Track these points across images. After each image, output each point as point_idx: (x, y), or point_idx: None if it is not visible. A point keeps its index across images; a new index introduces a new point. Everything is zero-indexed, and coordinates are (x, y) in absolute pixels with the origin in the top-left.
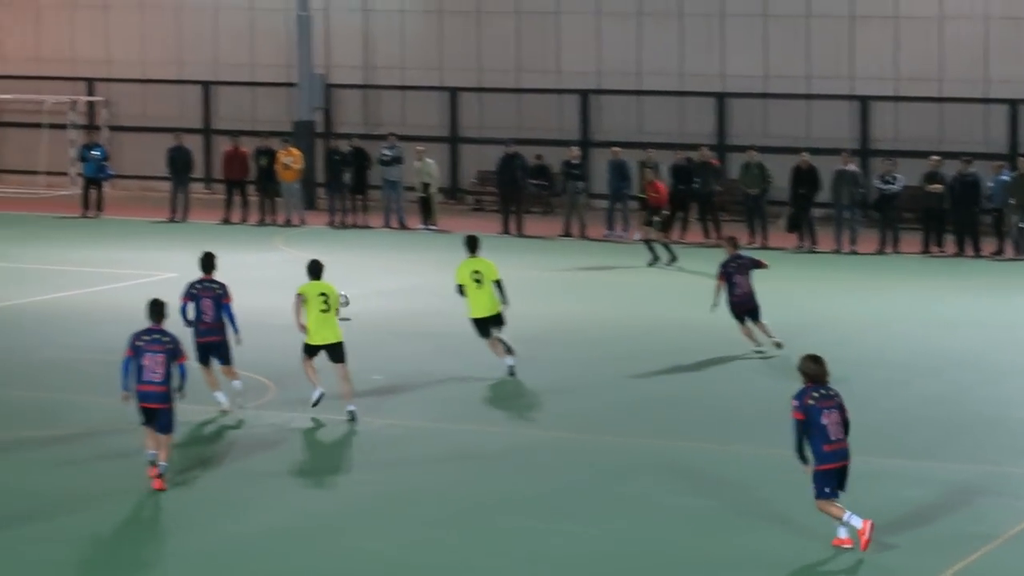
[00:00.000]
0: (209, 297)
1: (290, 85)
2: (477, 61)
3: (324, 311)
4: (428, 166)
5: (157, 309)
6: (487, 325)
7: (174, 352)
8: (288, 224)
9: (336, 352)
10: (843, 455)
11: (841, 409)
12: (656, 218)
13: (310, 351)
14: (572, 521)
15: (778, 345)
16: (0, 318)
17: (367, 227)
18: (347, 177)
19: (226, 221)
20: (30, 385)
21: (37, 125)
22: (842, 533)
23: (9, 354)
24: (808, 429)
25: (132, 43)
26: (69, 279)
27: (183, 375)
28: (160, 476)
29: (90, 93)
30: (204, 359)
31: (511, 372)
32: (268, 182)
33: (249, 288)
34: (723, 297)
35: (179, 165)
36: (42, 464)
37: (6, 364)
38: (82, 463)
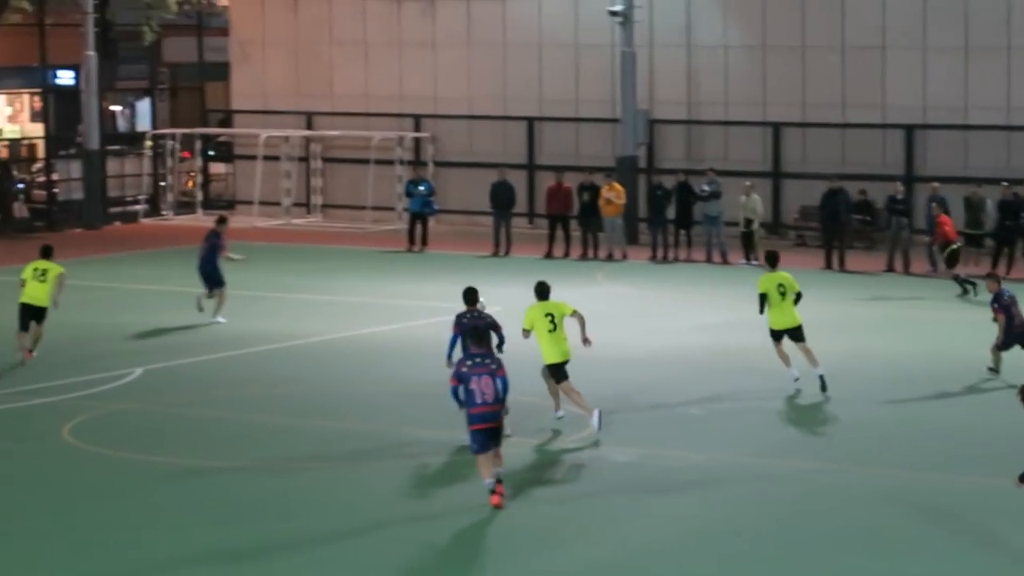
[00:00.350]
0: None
1: (613, 121)
2: (801, 96)
3: (551, 331)
4: (753, 201)
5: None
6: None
7: (498, 368)
8: (610, 259)
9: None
10: None
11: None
12: (947, 252)
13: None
14: (910, 559)
15: None
16: (329, 350)
17: (690, 261)
18: (669, 212)
19: (548, 256)
20: (361, 417)
21: (365, 161)
22: None
23: (340, 386)
24: None
25: (459, 80)
26: (395, 313)
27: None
28: (494, 491)
29: (417, 129)
30: None
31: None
32: (590, 217)
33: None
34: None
35: (502, 200)
36: (369, 489)
37: (337, 396)
38: (411, 489)
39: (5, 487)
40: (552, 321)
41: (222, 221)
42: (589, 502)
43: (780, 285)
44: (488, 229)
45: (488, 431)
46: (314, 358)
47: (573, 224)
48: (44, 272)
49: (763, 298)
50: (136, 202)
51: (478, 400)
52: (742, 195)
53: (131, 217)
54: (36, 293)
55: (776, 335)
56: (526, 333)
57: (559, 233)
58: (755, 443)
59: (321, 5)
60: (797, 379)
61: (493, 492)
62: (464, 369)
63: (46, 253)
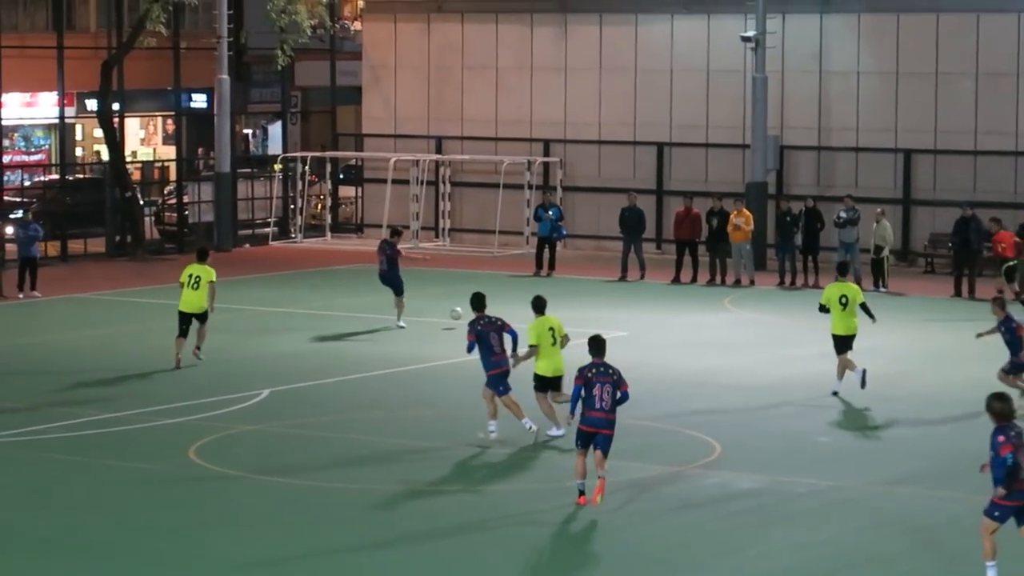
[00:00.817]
0: (495, 331)
1: (743, 147)
2: (933, 122)
3: (552, 344)
4: (883, 228)
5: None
6: (549, 384)
7: (618, 381)
8: (737, 284)
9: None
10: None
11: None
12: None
13: (539, 383)
14: None
15: None
16: (456, 374)
17: (818, 288)
18: (798, 238)
19: (675, 281)
20: (477, 441)
21: (494, 185)
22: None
23: (465, 410)
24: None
25: (589, 105)
26: (522, 337)
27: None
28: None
29: (546, 154)
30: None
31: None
32: (719, 243)
33: (696, 349)
34: None
35: (631, 225)
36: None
37: (461, 420)
38: (537, 512)
39: (130, 506)
40: (553, 335)
41: (396, 233)
42: (713, 528)
43: (843, 296)
44: (618, 254)
45: (593, 435)
46: (440, 382)
47: (701, 249)
48: (198, 279)
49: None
50: (266, 225)
51: (597, 405)
52: (873, 222)
53: (261, 240)
54: (191, 300)
55: (838, 342)
56: (533, 349)
57: (687, 259)
58: (883, 470)
59: (454, 30)
60: (836, 393)
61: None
62: (589, 374)
63: (201, 256)
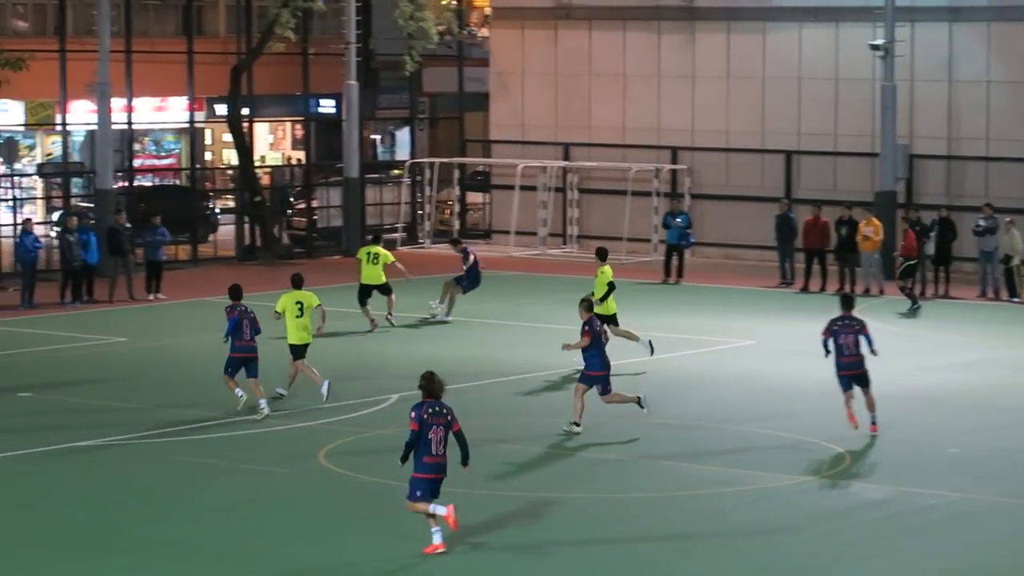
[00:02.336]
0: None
1: (872, 155)
2: None
3: (299, 316)
4: (1013, 238)
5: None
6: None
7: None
8: (866, 294)
9: (299, 351)
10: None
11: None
12: None
13: (294, 351)
14: None
15: None
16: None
17: (949, 298)
18: (929, 248)
19: (804, 290)
20: (612, 449)
21: (622, 192)
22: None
23: (595, 418)
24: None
25: (717, 113)
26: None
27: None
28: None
29: (674, 161)
30: None
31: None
32: (848, 252)
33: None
34: None
35: (784, 233)
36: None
37: (593, 428)
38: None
39: (261, 510)
40: (300, 308)
41: (456, 242)
42: (842, 538)
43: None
44: (746, 262)
45: (853, 377)
46: (569, 389)
47: (830, 258)
48: (376, 256)
49: None
50: (394, 230)
51: (846, 352)
52: (1003, 232)
53: (389, 245)
54: (372, 274)
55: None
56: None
57: (815, 267)
58: (1014, 483)
59: (581, 37)
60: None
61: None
62: (836, 327)
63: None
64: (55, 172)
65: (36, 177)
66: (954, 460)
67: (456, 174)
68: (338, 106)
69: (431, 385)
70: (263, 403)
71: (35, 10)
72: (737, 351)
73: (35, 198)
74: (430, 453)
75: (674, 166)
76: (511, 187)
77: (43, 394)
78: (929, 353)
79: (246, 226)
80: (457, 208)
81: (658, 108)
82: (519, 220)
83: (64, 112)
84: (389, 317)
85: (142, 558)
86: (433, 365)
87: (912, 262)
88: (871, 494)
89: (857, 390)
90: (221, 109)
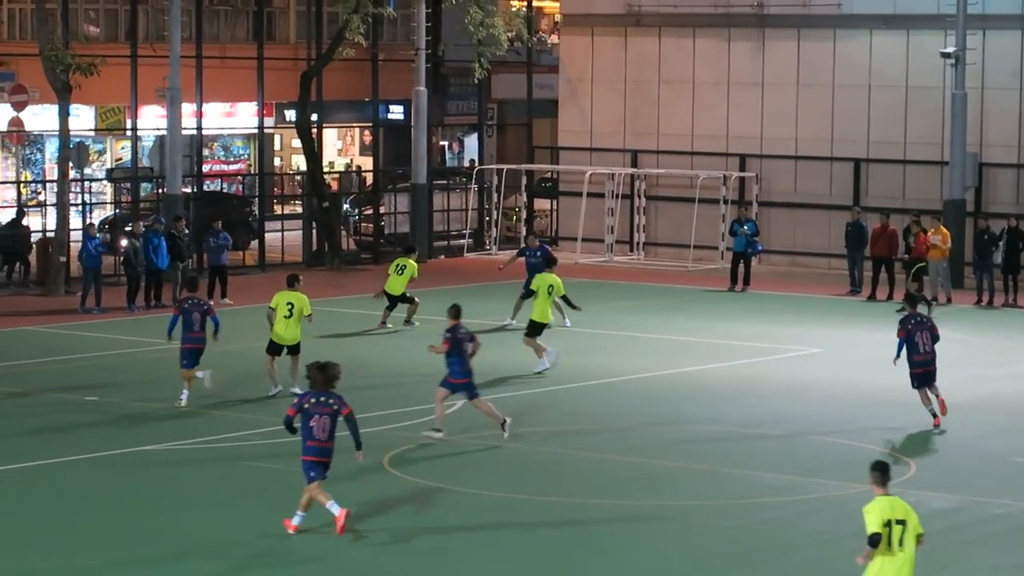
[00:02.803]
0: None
1: (942, 164)
2: None
3: (287, 317)
4: None
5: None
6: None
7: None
8: (934, 302)
9: (294, 349)
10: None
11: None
12: None
13: (273, 349)
14: None
15: None
16: (651, 388)
17: (1017, 307)
18: (998, 256)
19: (871, 298)
20: (683, 456)
21: (689, 200)
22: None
23: (661, 424)
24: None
25: (786, 120)
26: (715, 352)
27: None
28: None
29: (742, 169)
30: None
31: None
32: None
33: (890, 366)
34: None
35: (855, 240)
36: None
37: (658, 434)
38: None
39: (322, 513)
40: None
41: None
42: None
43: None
44: (813, 270)
45: (925, 375)
46: (635, 395)
47: (897, 267)
48: (403, 267)
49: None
50: (461, 236)
51: (921, 350)
52: None
53: (456, 251)
54: (393, 284)
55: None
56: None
57: (883, 276)
58: None
59: (651, 44)
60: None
61: None
62: (910, 326)
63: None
64: (125, 177)
65: (106, 182)
66: (1020, 469)
67: (523, 180)
68: (407, 112)
69: (319, 375)
70: (185, 394)
71: (107, 15)
72: (803, 359)
73: (104, 203)
74: (312, 438)
75: (742, 173)
76: (578, 194)
77: (109, 397)
78: (996, 362)
79: (313, 231)
80: (524, 214)
81: (727, 115)
82: (586, 227)
83: (134, 117)
84: (408, 321)
85: (210, 562)
86: (497, 370)
87: (923, 264)
88: (936, 503)
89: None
90: (290, 114)
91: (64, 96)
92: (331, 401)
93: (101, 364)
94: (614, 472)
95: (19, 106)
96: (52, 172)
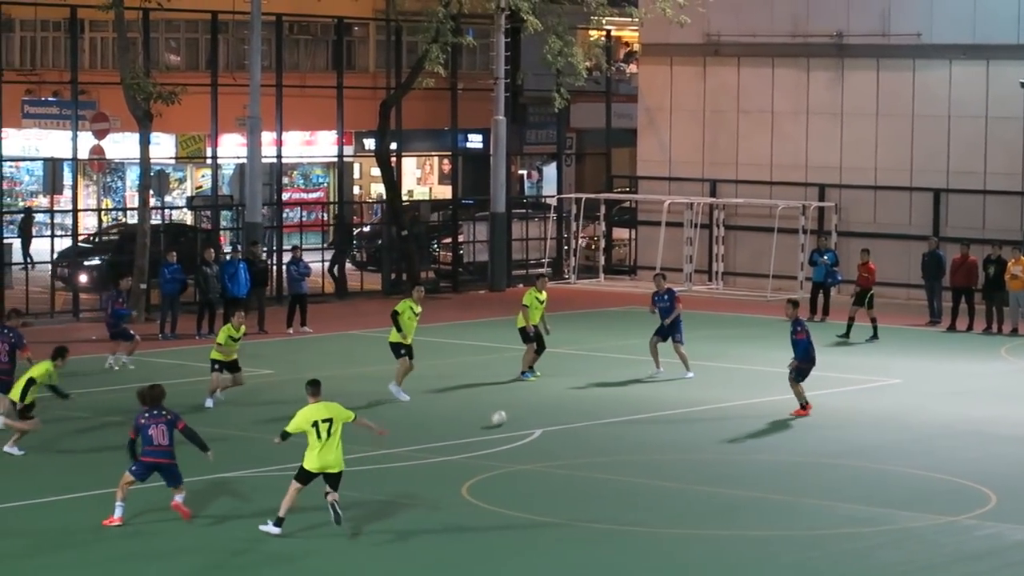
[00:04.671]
0: None
1: (1022, 194)
2: None
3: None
4: None
5: None
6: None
7: None
8: (1014, 333)
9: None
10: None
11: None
12: None
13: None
14: None
15: None
16: (728, 417)
17: None
18: None
19: (951, 328)
20: (761, 486)
21: (768, 229)
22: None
23: (734, 454)
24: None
25: (865, 150)
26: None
27: None
28: None
29: (821, 198)
30: None
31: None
32: (995, 291)
33: (970, 397)
34: None
35: (931, 270)
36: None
37: (732, 464)
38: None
39: (403, 542)
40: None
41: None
42: None
43: None
44: (891, 300)
45: None
46: (713, 424)
47: (977, 297)
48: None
49: None
50: (540, 265)
51: None
52: None
53: (534, 280)
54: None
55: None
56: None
57: (963, 306)
58: None
59: (730, 74)
60: None
61: None
62: None
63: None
64: (205, 205)
65: (186, 210)
66: None
67: (602, 210)
68: (486, 141)
69: (150, 393)
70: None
71: (188, 44)
72: (883, 389)
73: (193, 227)
74: (151, 443)
75: (821, 203)
76: (657, 223)
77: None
78: None
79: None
80: (603, 244)
81: (806, 145)
82: (664, 256)
83: (215, 145)
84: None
85: None
86: (577, 400)
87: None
88: (1016, 535)
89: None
90: (370, 143)
91: (145, 124)
92: (163, 412)
93: (183, 391)
94: (691, 501)
95: (100, 134)
96: (133, 200)
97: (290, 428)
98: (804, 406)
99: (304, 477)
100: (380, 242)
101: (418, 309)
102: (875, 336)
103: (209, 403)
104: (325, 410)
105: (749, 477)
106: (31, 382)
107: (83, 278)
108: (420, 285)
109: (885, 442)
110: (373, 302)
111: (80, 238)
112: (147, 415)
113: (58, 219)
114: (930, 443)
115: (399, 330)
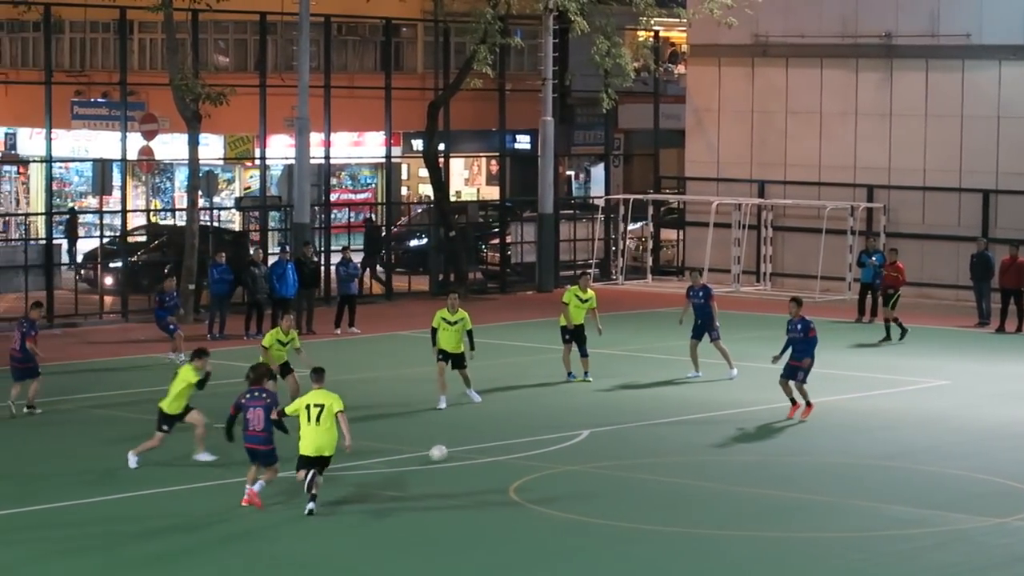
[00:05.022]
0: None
1: None
2: None
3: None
4: None
5: None
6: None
7: None
8: None
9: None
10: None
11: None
12: None
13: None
14: None
15: None
16: (777, 419)
17: None
18: None
19: (1000, 330)
20: (810, 487)
21: (816, 230)
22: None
23: (789, 455)
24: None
25: (914, 151)
26: (843, 383)
27: None
28: None
29: (869, 199)
30: None
31: None
32: None
33: (1018, 399)
34: None
35: (979, 271)
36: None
37: (788, 465)
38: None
39: (448, 543)
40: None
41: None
42: None
43: None
44: (942, 302)
45: None
46: (762, 426)
47: None
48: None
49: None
50: (587, 266)
51: None
52: None
53: (577, 278)
54: (581, 315)
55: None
56: None
57: (1012, 307)
58: None
59: (778, 75)
60: None
61: None
62: None
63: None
64: (253, 206)
65: (234, 210)
66: None
67: (650, 210)
68: (533, 142)
69: (253, 373)
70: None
71: (236, 45)
72: (931, 391)
73: (239, 231)
74: (248, 427)
75: (870, 204)
76: (705, 224)
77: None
78: None
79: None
80: (650, 245)
81: (854, 145)
82: (712, 257)
83: (263, 146)
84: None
85: None
86: (625, 400)
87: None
88: None
89: None
90: (418, 144)
91: (194, 125)
92: (264, 395)
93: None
94: (738, 503)
95: (149, 135)
96: (181, 200)
97: (288, 409)
98: (809, 404)
99: (304, 463)
100: (410, 244)
101: (452, 318)
102: (888, 338)
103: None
104: (320, 397)
105: (797, 479)
106: (185, 388)
107: (108, 280)
108: (454, 292)
109: (933, 444)
110: (421, 303)
111: (105, 239)
112: (248, 395)
113: (107, 220)
114: (979, 445)
115: (433, 344)
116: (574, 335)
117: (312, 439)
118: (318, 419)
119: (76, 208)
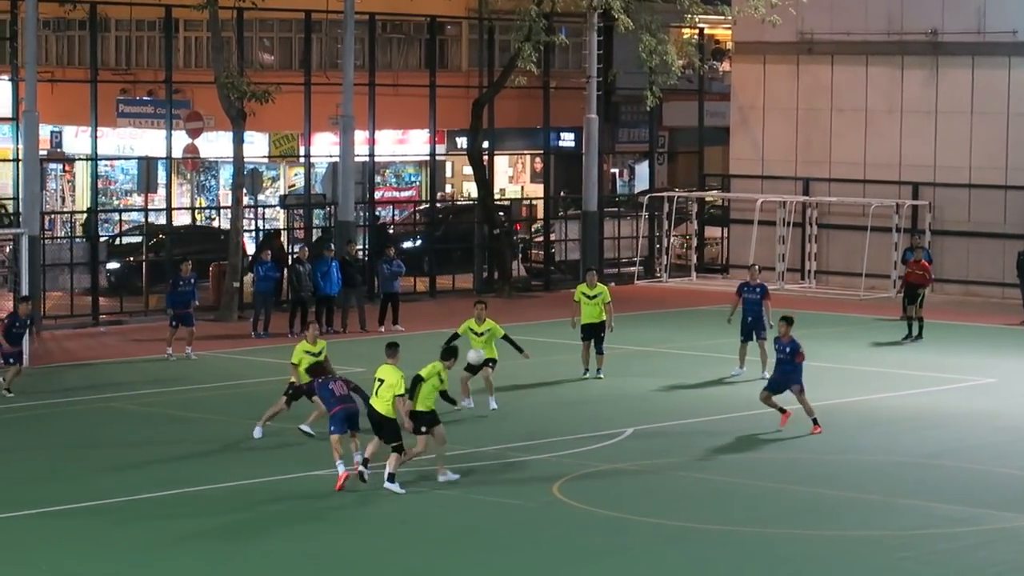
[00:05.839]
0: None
1: None
2: None
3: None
4: None
5: None
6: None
7: None
8: None
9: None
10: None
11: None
12: None
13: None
14: None
15: None
16: (822, 416)
17: None
18: None
19: None
20: (855, 485)
21: (861, 228)
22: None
23: (832, 453)
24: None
25: (959, 148)
26: (888, 381)
27: None
28: None
29: (915, 197)
30: None
31: None
32: None
33: None
34: None
35: None
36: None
37: (830, 463)
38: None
39: (491, 540)
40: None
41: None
42: None
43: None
44: (986, 299)
45: None
46: (802, 425)
47: None
48: (594, 296)
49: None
50: (632, 264)
51: None
52: None
53: (626, 279)
54: (594, 312)
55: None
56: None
57: None
58: None
59: (823, 72)
60: None
61: None
62: None
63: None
64: (297, 203)
65: (279, 208)
66: None
67: (694, 208)
68: (578, 139)
69: (312, 369)
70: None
71: (281, 44)
72: (977, 389)
73: (278, 229)
74: (334, 396)
75: (915, 202)
76: (750, 222)
77: (277, 423)
78: None
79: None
80: (695, 242)
81: (900, 143)
82: (757, 255)
83: (307, 144)
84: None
85: None
86: (669, 398)
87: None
88: None
89: None
90: (462, 142)
91: (238, 123)
92: (338, 379)
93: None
94: (783, 501)
95: (194, 133)
96: (226, 198)
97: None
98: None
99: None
100: (417, 244)
101: (479, 328)
102: (909, 336)
103: (258, 432)
104: (385, 372)
105: (843, 476)
106: (419, 380)
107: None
108: (481, 302)
109: (980, 442)
110: (464, 300)
111: (102, 239)
112: (320, 381)
113: (152, 217)
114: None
115: (448, 344)
116: (590, 333)
117: (375, 406)
118: (376, 393)
119: (122, 206)
